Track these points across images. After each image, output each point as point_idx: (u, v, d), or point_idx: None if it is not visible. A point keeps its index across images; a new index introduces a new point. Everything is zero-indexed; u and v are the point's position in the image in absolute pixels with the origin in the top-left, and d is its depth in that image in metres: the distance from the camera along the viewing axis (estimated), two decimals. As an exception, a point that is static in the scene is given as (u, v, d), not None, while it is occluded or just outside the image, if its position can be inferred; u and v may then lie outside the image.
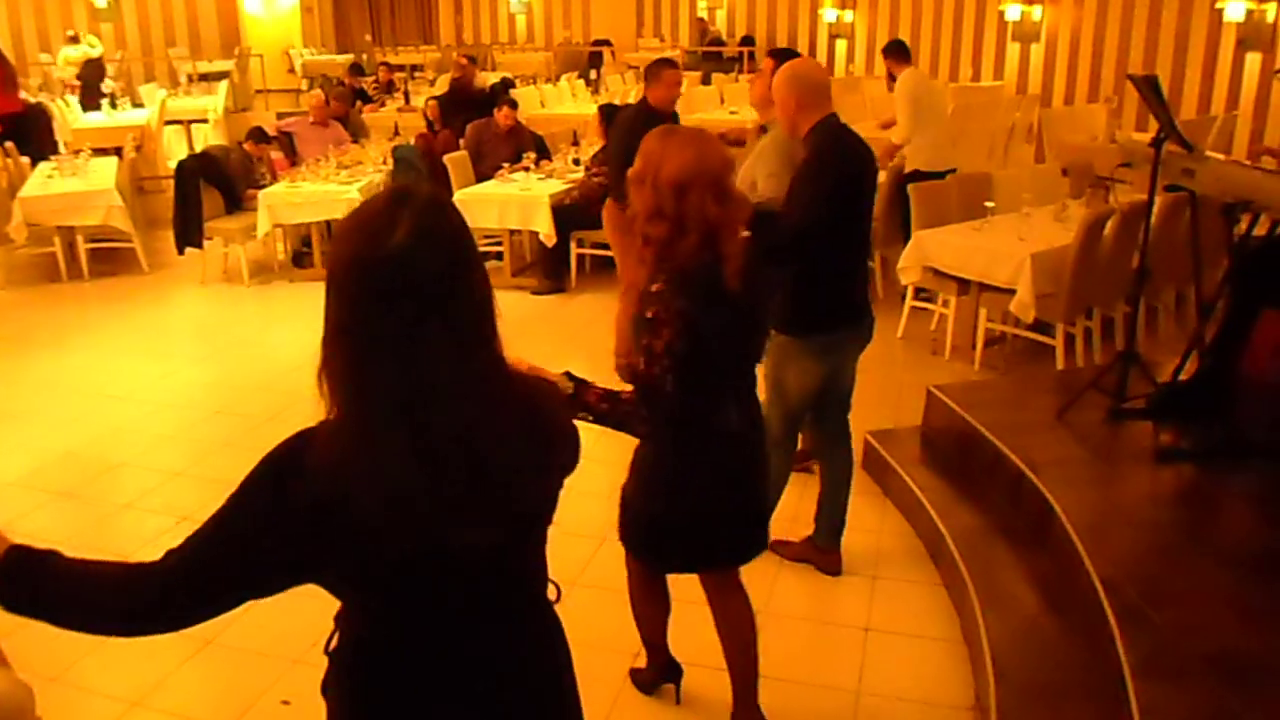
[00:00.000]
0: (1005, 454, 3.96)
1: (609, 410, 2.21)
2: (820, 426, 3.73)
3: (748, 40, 15.11)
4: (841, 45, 13.51)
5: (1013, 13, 10.90)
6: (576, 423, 1.67)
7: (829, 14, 13.53)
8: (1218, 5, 8.16)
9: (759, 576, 3.66)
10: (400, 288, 1.30)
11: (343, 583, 1.44)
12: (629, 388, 2.34)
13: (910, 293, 6.10)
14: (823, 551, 3.75)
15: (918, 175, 6.49)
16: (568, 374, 2.22)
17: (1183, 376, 4.23)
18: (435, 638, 1.47)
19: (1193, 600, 3.04)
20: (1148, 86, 3.80)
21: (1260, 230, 4.10)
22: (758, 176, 3.82)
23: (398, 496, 1.32)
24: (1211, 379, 4.22)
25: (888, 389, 5.27)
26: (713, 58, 15.21)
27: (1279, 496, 3.66)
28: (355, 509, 1.31)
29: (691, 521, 2.61)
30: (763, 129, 4.07)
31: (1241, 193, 3.58)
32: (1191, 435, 4.06)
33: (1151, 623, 2.86)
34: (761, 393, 2.82)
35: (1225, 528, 3.62)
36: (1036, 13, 10.77)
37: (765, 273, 2.59)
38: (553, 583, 1.61)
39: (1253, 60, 7.87)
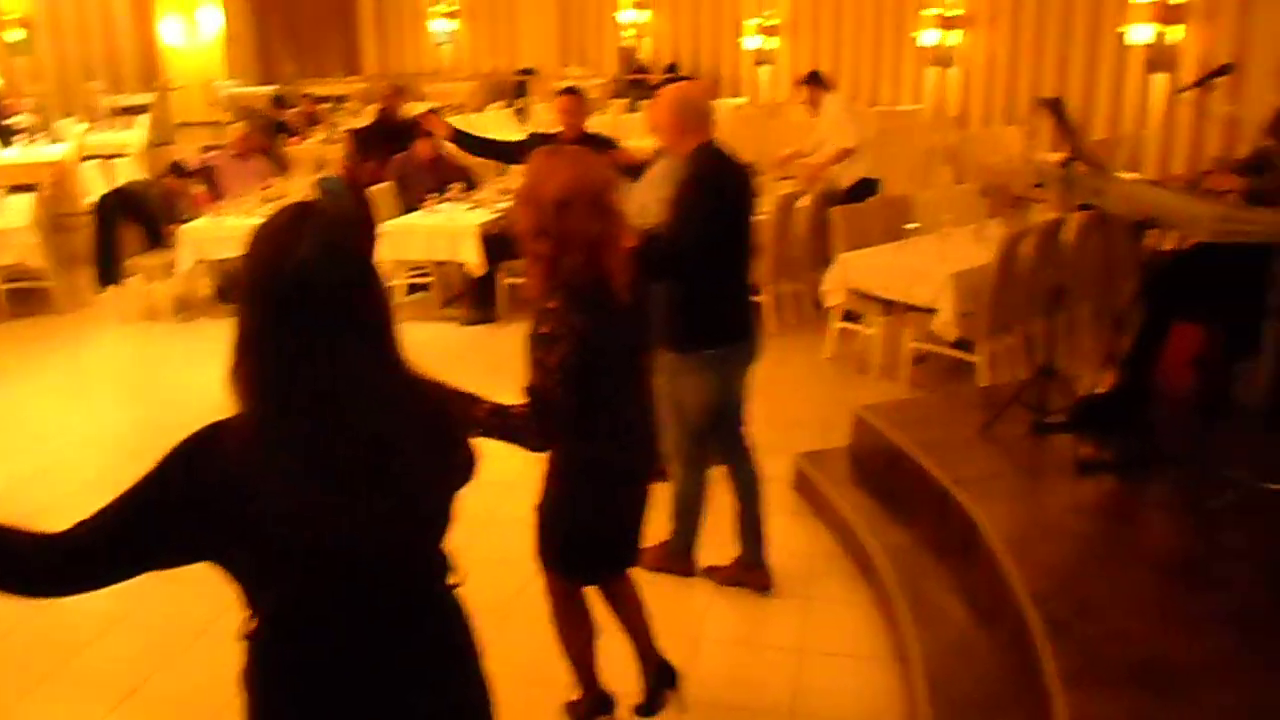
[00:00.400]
0: (930, 472, 4.02)
1: (498, 424, 2.24)
2: (720, 442, 3.77)
3: (672, 68, 15.24)
4: (765, 72, 13.70)
5: (929, 38, 11.15)
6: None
7: (752, 41, 13.73)
8: (1123, 29, 8.43)
9: (692, 605, 3.67)
10: (302, 298, 1.37)
11: (240, 568, 1.49)
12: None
13: (837, 314, 6.18)
14: (751, 568, 3.80)
15: (865, 183, 6.66)
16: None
17: (1101, 389, 4.34)
18: (332, 629, 1.52)
19: (1117, 609, 3.10)
20: (1054, 109, 3.92)
21: (1169, 245, 4.24)
22: (649, 201, 3.87)
23: (293, 490, 1.39)
24: (1128, 391, 4.34)
25: (817, 410, 5.33)
26: (639, 85, 15.33)
27: (1194, 505, 3.76)
28: (254, 497, 1.38)
29: (597, 528, 2.71)
30: (658, 155, 4.14)
31: (1148, 211, 3.70)
32: (1111, 447, 4.15)
33: (1078, 633, 2.91)
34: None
35: (1145, 537, 3.71)
36: (952, 38, 11.03)
37: (651, 288, 2.70)
38: (451, 570, 1.66)
39: (1159, 81, 8.15)
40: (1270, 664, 2.82)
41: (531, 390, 2.39)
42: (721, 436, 3.73)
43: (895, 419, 4.57)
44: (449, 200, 7.57)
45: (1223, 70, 3.85)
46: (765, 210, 6.18)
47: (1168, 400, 4.66)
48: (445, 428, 1.60)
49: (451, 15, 16.91)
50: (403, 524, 1.51)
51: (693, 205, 3.33)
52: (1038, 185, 4.32)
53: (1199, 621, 3.04)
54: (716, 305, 3.48)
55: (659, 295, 3.09)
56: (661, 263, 3.17)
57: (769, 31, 13.39)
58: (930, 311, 5.36)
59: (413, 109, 10.94)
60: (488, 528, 1.56)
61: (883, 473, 4.44)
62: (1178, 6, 8.02)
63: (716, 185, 3.39)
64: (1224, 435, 4.16)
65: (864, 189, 6.99)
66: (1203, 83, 3.79)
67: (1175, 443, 4.21)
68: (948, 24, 11.01)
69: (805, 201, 6.78)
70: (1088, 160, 3.93)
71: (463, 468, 1.63)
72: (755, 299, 4.04)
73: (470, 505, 1.65)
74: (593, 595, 2.91)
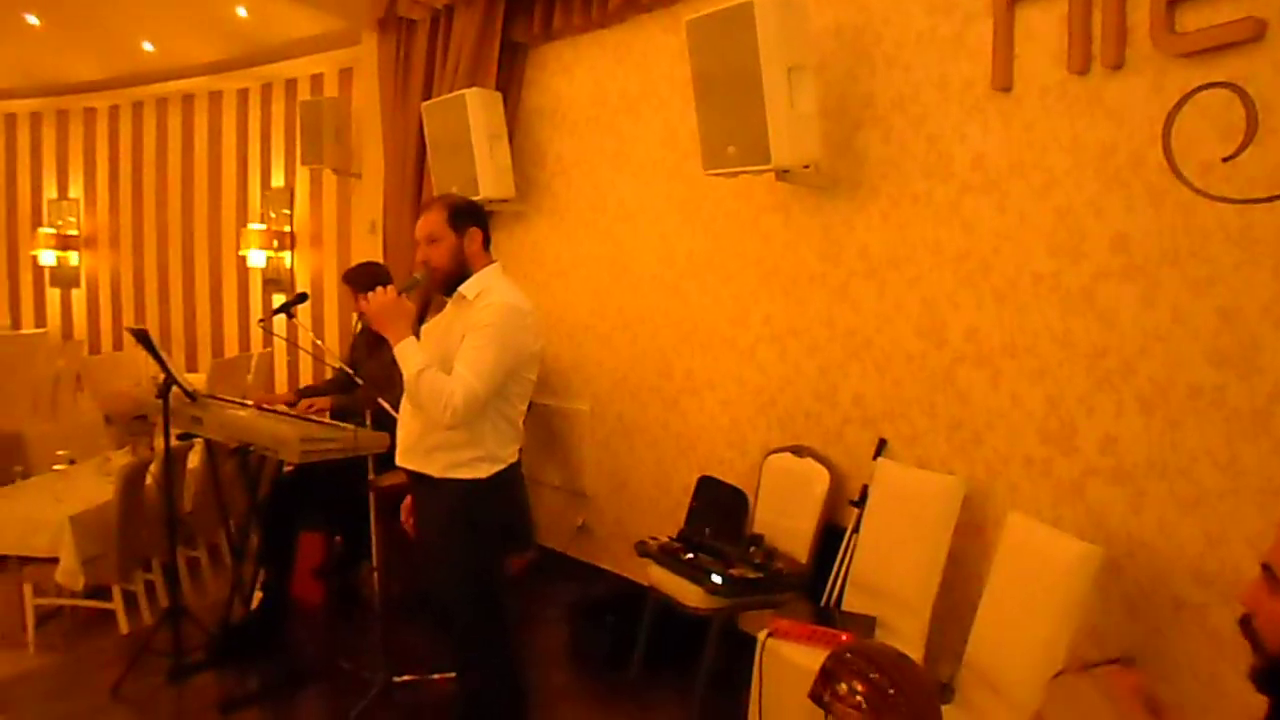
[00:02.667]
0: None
1: None
2: None
3: None
4: None
5: (47, 258, 10.45)
6: None
7: None
8: (241, 253, 8.82)
9: None
10: None
11: None
12: None
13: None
14: None
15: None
16: None
17: (236, 617, 4.22)
18: None
19: None
20: (140, 338, 3.81)
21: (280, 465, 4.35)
22: None
23: None
24: (264, 614, 4.29)
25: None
26: None
27: (337, 715, 3.79)
28: None
29: None
30: None
31: (240, 435, 3.73)
32: (254, 675, 4.04)
33: None
34: None
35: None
36: (73, 258, 10.49)
37: None
38: None
39: (277, 299, 8.65)
40: None
41: None
42: None
43: (15, 696, 3.92)
44: None
45: (300, 298, 4.11)
46: None
47: (303, 612, 4.74)
48: None
49: None
50: None
51: None
52: (138, 418, 4.12)
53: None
54: None
55: None
56: None
57: None
58: (53, 561, 4.75)
59: None
60: None
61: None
62: (288, 234, 8.69)
63: None
64: (356, 637, 4.33)
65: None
66: (282, 310, 3.99)
67: (314, 653, 4.27)
68: (66, 244, 10.47)
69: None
70: (182, 388, 3.87)
71: None
72: None
73: None
74: None
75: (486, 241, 3.06)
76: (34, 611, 4.98)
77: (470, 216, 3.03)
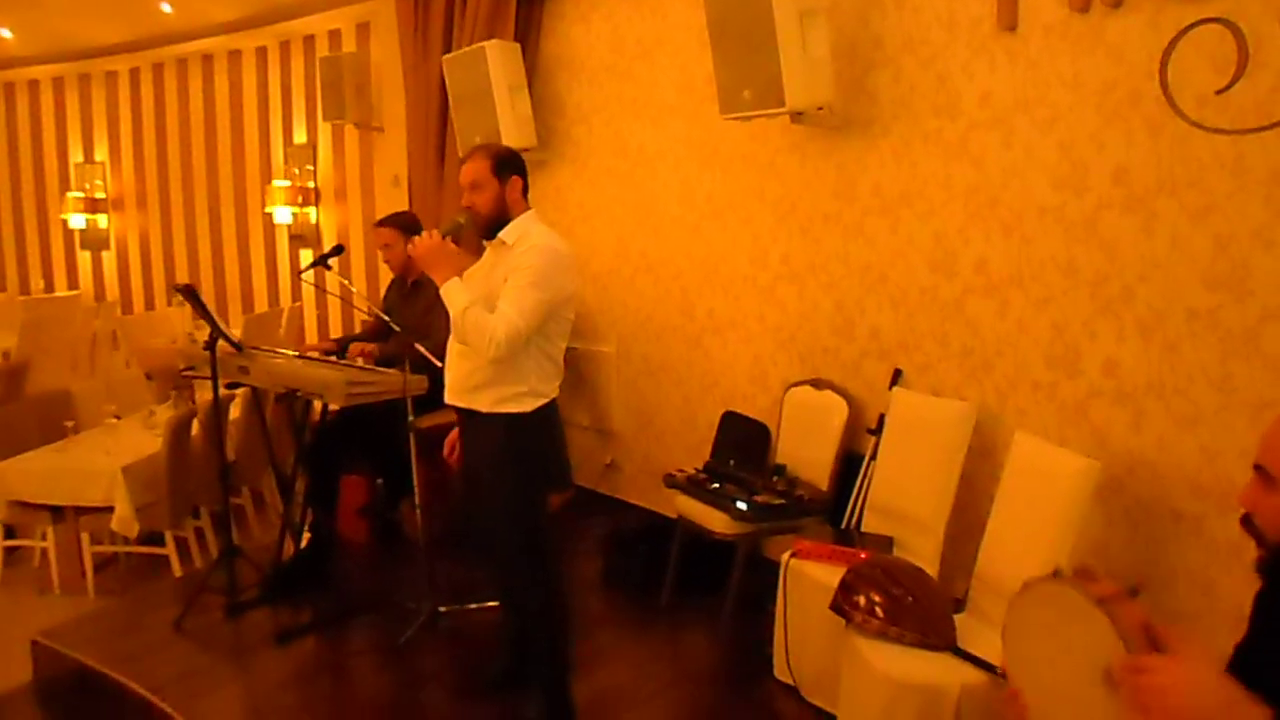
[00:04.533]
0: (128, 684, 3.72)
1: None
2: None
3: None
4: None
5: (76, 221, 10.64)
6: None
7: None
8: (267, 210, 8.97)
9: None
10: None
11: None
12: None
13: (-1, 533, 5.43)
14: None
15: None
16: None
17: (286, 557, 4.45)
18: None
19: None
20: (186, 294, 3.99)
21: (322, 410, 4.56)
22: None
23: None
24: (312, 552, 4.52)
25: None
26: None
27: (385, 643, 4.03)
28: None
29: None
30: None
31: (290, 382, 3.93)
32: (306, 609, 4.28)
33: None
34: None
35: (354, 687, 3.85)
36: (102, 220, 10.67)
37: None
38: None
39: (305, 256, 8.82)
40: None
41: None
42: None
43: (80, 636, 4.17)
44: None
45: (336, 250, 4.28)
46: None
47: (349, 550, 4.98)
48: None
49: None
50: None
51: None
52: (186, 369, 4.32)
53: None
54: None
55: None
56: None
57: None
58: (108, 510, 5.00)
59: None
60: None
61: (77, 701, 3.98)
62: (312, 190, 8.83)
63: None
64: (401, 571, 4.57)
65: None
66: (320, 262, 4.16)
67: (362, 587, 4.50)
68: (94, 207, 10.64)
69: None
70: (228, 339, 4.06)
71: None
72: None
73: None
74: None
75: (525, 189, 3.22)
76: (92, 558, 5.26)
77: (512, 165, 3.20)
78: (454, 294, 3.06)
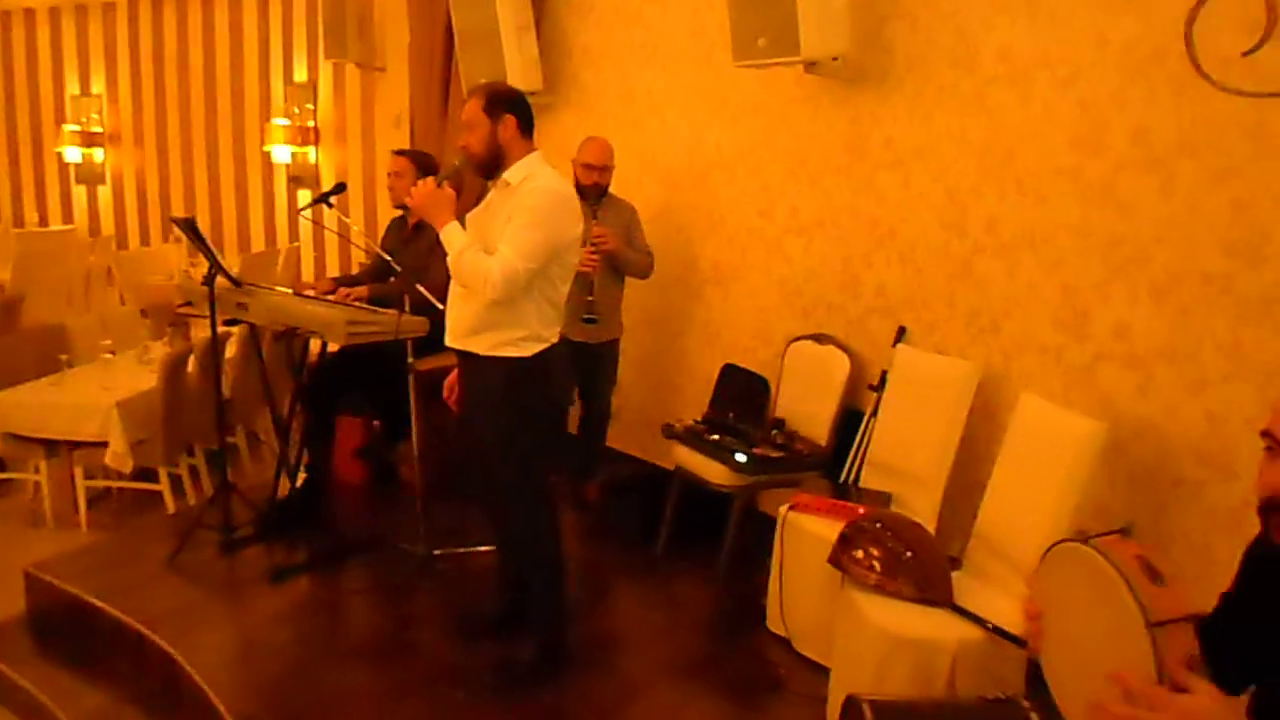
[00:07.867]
0: (121, 617, 3.71)
1: None
2: None
3: None
4: None
5: (72, 155, 10.50)
6: None
7: None
8: (266, 148, 8.87)
9: None
10: None
11: None
12: None
13: (-8, 465, 5.42)
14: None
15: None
16: None
17: (281, 495, 4.44)
18: None
19: (337, 708, 3.18)
20: (186, 227, 3.93)
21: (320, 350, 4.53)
22: None
23: None
24: (307, 491, 4.51)
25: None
26: None
27: (381, 584, 4.03)
28: None
29: None
30: None
31: (290, 320, 3.89)
32: (300, 548, 4.28)
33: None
34: None
35: (347, 626, 3.84)
36: (98, 155, 10.54)
37: None
38: None
39: (303, 196, 8.74)
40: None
41: None
42: None
43: (75, 569, 4.14)
44: None
45: (339, 188, 4.22)
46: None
47: (344, 490, 4.97)
48: None
49: None
50: None
51: None
52: (184, 305, 4.27)
53: (399, 694, 3.25)
54: None
55: None
56: None
57: None
58: (101, 445, 4.98)
59: None
60: None
61: (70, 633, 3.97)
62: (312, 129, 8.73)
63: None
64: (397, 513, 4.56)
65: None
66: (321, 199, 4.11)
67: (357, 528, 4.50)
68: (90, 141, 10.50)
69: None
70: (227, 275, 4.01)
71: None
72: None
73: None
74: None
75: (527, 129, 3.13)
76: (85, 493, 5.25)
77: (505, 104, 3.11)
78: (452, 237, 3.03)
